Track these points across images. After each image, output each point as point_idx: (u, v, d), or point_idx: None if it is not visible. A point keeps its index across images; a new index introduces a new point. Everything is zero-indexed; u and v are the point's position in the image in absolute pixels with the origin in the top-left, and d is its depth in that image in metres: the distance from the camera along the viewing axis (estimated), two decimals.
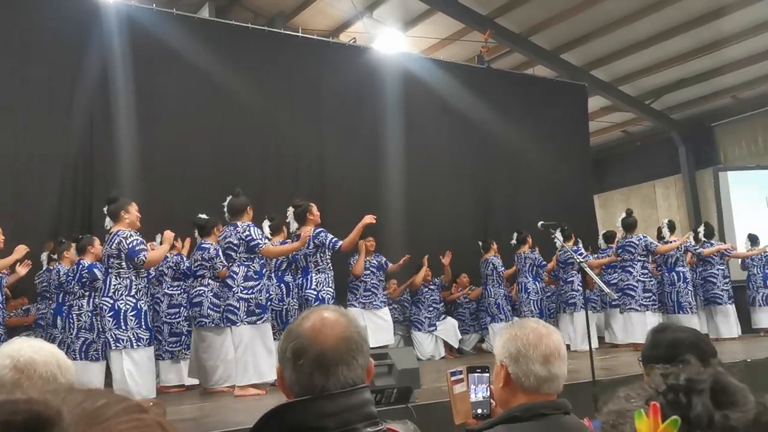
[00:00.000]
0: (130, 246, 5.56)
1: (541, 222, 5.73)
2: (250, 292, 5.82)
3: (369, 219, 6.26)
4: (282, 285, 6.86)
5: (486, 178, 11.27)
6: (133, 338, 5.54)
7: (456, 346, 9.60)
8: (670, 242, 8.87)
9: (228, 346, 6.01)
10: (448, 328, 9.50)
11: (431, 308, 9.40)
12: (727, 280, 9.62)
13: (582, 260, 5.53)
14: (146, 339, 5.68)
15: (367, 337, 1.50)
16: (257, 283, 5.89)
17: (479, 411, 2.11)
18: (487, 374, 2.14)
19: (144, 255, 5.59)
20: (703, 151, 14.64)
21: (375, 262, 8.40)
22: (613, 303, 8.68)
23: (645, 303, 8.33)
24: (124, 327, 5.52)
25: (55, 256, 7.07)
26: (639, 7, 11.19)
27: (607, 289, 5.73)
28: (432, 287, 9.53)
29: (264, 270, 6.06)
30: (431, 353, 9.22)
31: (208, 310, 6.38)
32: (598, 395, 0.93)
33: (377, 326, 7.90)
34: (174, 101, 8.65)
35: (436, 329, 9.36)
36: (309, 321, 1.46)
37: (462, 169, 11.01)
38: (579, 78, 12.84)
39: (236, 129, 9.05)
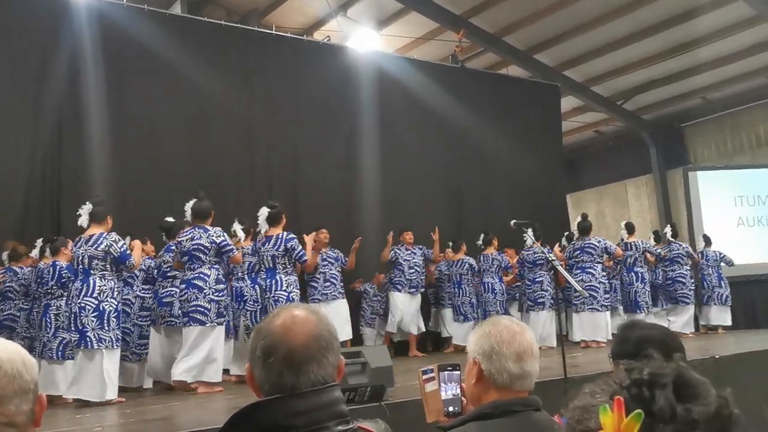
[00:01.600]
0: (122, 250, 5.84)
1: (514, 221, 5.76)
2: (220, 294, 6.08)
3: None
4: (256, 286, 6.95)
5: (460, 176, 11.31)
6: (114, 338, 5.69)
7: (415, 332, 9.10)
8: (629, 244, 9.26)
9: (197, 344, 6.05)
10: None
11: (413, 270, 9.03)
12: (693, 280, 9.91)
13: (554, 258, 5.57)
14: (120, 340, 5.87)
15: (338, 334, 1.50)
16: (225, 285, 6.22)
17: (451, 409, 2.12)
18: (458, 372, 2.15)
19: (133, 259, 5.93)
20: (674, 151, 14.85)
21: (333, 254, 8.37)
22: (576, 302, 8.85)
23: (605, 303, 8.67)
24: (107, 327, 5.64)
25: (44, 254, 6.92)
26: (611, 8, 11.32)
27: (578, 287, 5.81)
28: (415, 251, 9.15)
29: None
30: (409, 321, 8.87)
31: (179, 311, 6.45)
32: (569, 392, 0.94)
33: (335, 322, 7.88)
34: (145, 98, 8.55)
35: (417, 291, 9.05)
36: (279, 319, 1.45)
37: (436, 168, 11.04)
38: (552, 78, 12.95)
39: (209, 127, 8.96)
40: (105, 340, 5.60)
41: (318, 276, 8.15)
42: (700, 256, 10.28)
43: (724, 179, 12.48)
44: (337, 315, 7.96)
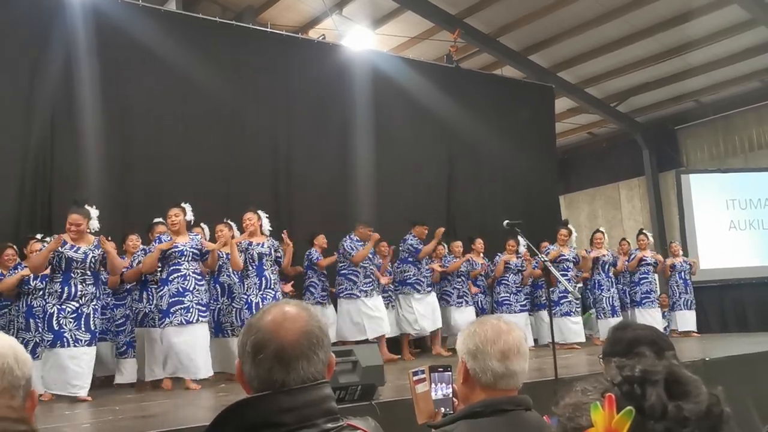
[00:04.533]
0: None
1: (507, 221, 5.76)
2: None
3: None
4: (217, 285, 7.06)
5: (453, 176, 11.31)
6: (50, 339, 5.54)
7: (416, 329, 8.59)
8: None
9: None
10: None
11: (428, 268, 8.78)
12: (648, 284, 10.04)
13: (546, 259, 5.57)
14: (85, 340, 5.62)
15: (328, 331, 1.49)
16: (204, 285, 6.44)
17: (442, 410, 2.12)
18: (449, 373, 2.15)
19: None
20: (667, 153, 14.88)
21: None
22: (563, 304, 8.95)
23: (577, 309, 9.01)
24: (46, 328, 5.58)
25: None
26: (606, 10, 11.34)
27: (571, 288, 5.82)
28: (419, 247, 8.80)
29: None
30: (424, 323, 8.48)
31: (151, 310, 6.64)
32: (559, 392, 0.93)
33: (372, 318, 7.81)
34: (139, 95, 8.51)
35: (433, 289, 8.75)
36: (270, 315, 1.44)
37: (429, 167, 11.03)
38: (546, 79, 12.96)
39: (202, 124, 8.92)
40: (44, 341, 5.61)
41: (358, 270, 7.98)
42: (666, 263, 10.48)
43: (717, 182, 12.51)
44: (375, 313, 7.89)
